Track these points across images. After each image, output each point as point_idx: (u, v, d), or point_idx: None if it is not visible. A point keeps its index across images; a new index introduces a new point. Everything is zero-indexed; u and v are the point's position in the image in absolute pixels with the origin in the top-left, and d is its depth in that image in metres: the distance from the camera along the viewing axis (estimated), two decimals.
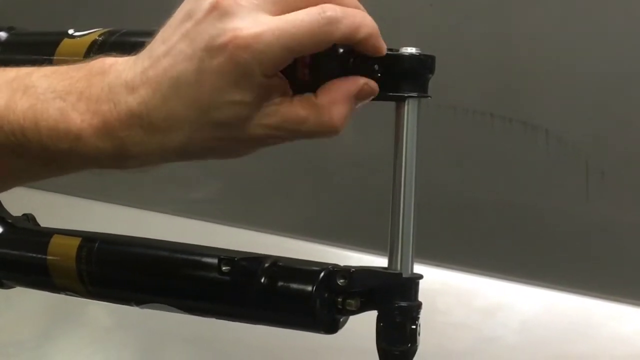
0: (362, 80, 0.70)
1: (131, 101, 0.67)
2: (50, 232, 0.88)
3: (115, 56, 0.71)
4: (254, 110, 0.68)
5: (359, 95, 0.70)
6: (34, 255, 0.88)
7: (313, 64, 0.70)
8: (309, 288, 0.74)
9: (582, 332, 1.24)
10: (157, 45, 0.69)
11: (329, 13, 0.67)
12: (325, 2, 0.67)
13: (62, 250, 0.86)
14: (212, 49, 0.66)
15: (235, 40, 0.66)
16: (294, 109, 0.69)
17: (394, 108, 0.73)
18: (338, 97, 0.69)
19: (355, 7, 0.69)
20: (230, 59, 0.66)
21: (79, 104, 0.68)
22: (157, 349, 1.46)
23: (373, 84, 0.70)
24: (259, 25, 0.66)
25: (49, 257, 0.86)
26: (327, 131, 0.69)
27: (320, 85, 0.70)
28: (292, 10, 0.67)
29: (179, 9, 0.69)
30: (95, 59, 0.71)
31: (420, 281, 0.74)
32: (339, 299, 0.74)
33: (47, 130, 0.69)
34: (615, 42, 1.22)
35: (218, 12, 0.66)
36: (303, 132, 0.69)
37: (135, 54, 0.70)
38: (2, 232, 0.91)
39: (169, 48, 0.68)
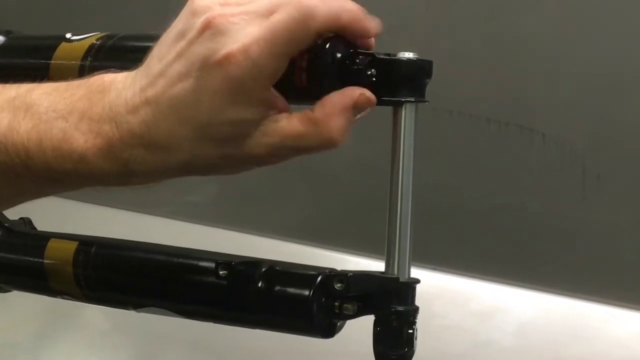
0: (357, 91, 0.69)
1: (132, 121, 0.68)
2: (47, 236, 0.88)
3: (113, 71, 0.71)
4: (253, 127, 0.68)
5: (356, 106, 0.69)
6: (31, 259, 0.87)
7: (309, 69, 0.70)
8: (306, 292, 0.74)
9: (578, 336, 1.24)
10: (154, 64, 0.68)
11: (304, 3, 0.66)
12: None
13: (59, 254, 0.86)
14: (206, 69, 0.66)
15: (227, 58, 0.66)
16: (293, 125, 0.68)
17: (391, 112, 0.73)
18: (335, 110, 0.69)
19: None
20: (225, 78, 0.66)
21: (81, 124, 0.68)
22: (153, 353, 1.46)
23: (369, 94, 0.70)
24: (245, 40, 0.66)
25: (45, 261, 0.86)
26: (326, 145, 0.69)
27: (318, 92, 0.70)
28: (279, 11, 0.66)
29: (173, 26, 0.69)
30: (94, 75, 0.71)
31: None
32: (336, 303, 0.74)
33: (52, 151, 0.69)
34: (612, 45, 1.22)
35: (210, 31, 0.66)
36: (303, 148, 0.69)
37: (133, 69, 0.70)
38: None
39: (165, 67, 0.68)
